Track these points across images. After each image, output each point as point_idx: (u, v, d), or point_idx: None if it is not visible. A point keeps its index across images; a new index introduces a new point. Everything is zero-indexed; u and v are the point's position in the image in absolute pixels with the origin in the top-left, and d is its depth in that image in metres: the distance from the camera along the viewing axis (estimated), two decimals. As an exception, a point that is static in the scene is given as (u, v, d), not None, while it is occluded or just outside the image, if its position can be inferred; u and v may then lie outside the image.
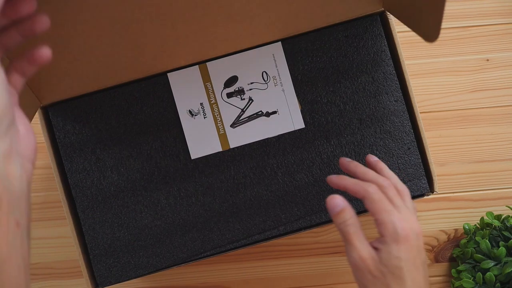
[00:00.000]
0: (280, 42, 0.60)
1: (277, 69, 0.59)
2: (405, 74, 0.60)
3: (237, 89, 0.59)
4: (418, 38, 0.73)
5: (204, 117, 0.60)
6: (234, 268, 0.71)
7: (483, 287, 0.63)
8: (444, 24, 0.73)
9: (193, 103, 0.60)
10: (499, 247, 0.64)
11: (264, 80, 0.59)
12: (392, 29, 0.60)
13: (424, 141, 0.60)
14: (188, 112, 0.60)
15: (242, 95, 0.59)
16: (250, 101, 0.59)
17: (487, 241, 0.64)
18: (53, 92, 0.61)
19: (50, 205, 0.71)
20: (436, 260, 0.71)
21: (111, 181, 0.61)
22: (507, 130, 0.72)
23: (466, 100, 0.72)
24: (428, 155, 0.60)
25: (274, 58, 0.59)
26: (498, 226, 0.66)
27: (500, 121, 0.72)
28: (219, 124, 0.60)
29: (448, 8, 0.73)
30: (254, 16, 0.61)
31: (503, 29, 0.73)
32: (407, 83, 0.60)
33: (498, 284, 0.62)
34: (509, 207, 0.68)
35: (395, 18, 0.58)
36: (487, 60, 0.73)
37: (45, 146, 0.60)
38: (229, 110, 0.60)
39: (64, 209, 0.59)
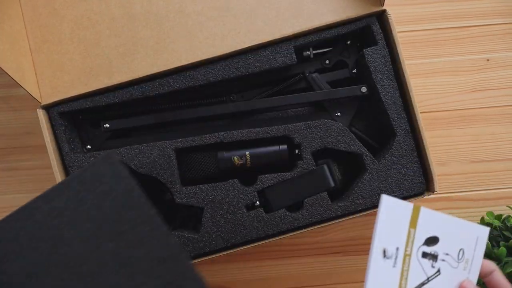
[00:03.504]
0: (489, 229, 0.52)
1: (474, 254, 0.52)
2: (405, 74, 0.60)
3: (433, 252, 0.51)
4: (418, 38, 0.73)
5: (393, 266, 0.49)
6: (234, 268, 0.71)
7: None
8: (444, 24, 0.73)
9: (391, 243, 0.49)
10: (499, 247, 0.63)
11: (458, 258, 0.52)
12: (392, 29, 0.60)
13: (424, 141, 0.60)
14: (383, 251, 0.49)
15: (434, 262, 0.51)
16: (438, 273, 0.51)
17: (487, 241, 0.64)
18: (54, 92, 0.61)
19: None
20: (437, 260, 0.71)
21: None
22: (507, 130, 0.72)
23: (466, 100, 0.72)
24: (428, 155, 0.60)
25: (476, 242, 0.52)
26: (499, 226, 0.66)
27: (500, 121, 0.72)
28: (402, 283, 0.49)
29: (448, 8, 0.73)
30: (253, 13, 0.61)
31: (503, 29, 0.73)
32: (407, 83, 0.60)
33: (498, 284, 0.62)
34: (509, 207, 0.68)
35: (395, 18, 0.58)
36: (487, 60, 0.73)
37: (45, 146, 0.60)
38: (417, 271, 0.50)
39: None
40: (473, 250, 0.51)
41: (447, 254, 0.51)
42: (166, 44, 0.61)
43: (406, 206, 0.50)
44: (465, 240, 0.51)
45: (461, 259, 0.51)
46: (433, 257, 0.50)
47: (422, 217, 0.50)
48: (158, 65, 0.61)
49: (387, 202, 0.49)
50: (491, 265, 0.52)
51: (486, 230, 0.52)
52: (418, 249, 0.50)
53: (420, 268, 0.50)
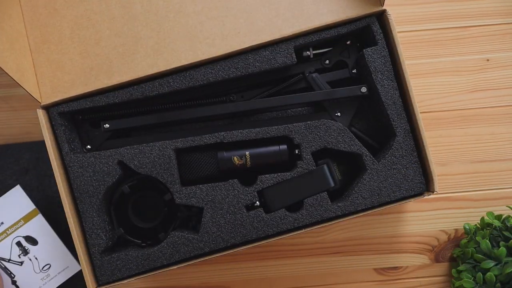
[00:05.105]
0: None
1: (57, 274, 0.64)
2: (405, 74, 0.60)
3: (26, 247, 0.63)
4: (418, 38, 0.73)
5: None
6: (234, 268, 0.71)
7: (483, 287, 0.63)
8: (444, 24, 0.73)
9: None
10: (499, 247, 0.63)
11: (41, 269, 0.63)
12: (392, 29, 0.60)
13: (424, 141, 0.60)
14: None
15: (23, 255, 0.63)
16: (19, 263, 0.63)
17: (487, 241, 0.64)
18: (54, 92, 0.61)
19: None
20: (437, 260, 0.71)
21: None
22: (508, 130, 0.72)
23: (466, 100, 0.72)
24: (428, 155, 0.60)
25: (65, 270, 0.64)
26: (499, 226, 0.66)
27: (500, 121, 0.72)
28: None
29: (448, 8, 0.73)
30: (253, 13, 0.61)
31: (503, 29, 0.73)
32: (407, 83, 0.60)
33: (498, 284, 0.62)
34: (509, 207, 0.68)
35: (395, 18, 0.58)
36: (487, 60, 0.73)
37: (45, 145, 0.60)
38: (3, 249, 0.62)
39: (65, 208, 0.59)
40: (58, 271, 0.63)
41: (36, 258, 0.62)
42: (166, 44, 0.61)
43: (28, 204, 0.63)
44: (55, 260, 0.63)
45: (45, 271, 0.62)
46: (24, 250, 0.62)
47: (35, 220, 0.63)
48: (158, 65, 0.61)
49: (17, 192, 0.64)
50: None
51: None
52: (17, 236, 0.62)
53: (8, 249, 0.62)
